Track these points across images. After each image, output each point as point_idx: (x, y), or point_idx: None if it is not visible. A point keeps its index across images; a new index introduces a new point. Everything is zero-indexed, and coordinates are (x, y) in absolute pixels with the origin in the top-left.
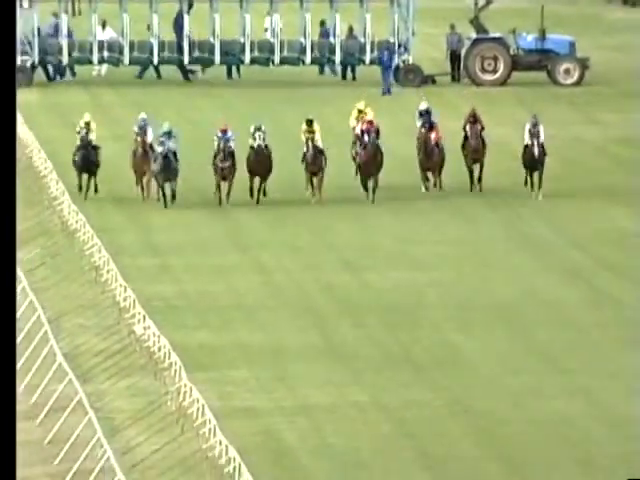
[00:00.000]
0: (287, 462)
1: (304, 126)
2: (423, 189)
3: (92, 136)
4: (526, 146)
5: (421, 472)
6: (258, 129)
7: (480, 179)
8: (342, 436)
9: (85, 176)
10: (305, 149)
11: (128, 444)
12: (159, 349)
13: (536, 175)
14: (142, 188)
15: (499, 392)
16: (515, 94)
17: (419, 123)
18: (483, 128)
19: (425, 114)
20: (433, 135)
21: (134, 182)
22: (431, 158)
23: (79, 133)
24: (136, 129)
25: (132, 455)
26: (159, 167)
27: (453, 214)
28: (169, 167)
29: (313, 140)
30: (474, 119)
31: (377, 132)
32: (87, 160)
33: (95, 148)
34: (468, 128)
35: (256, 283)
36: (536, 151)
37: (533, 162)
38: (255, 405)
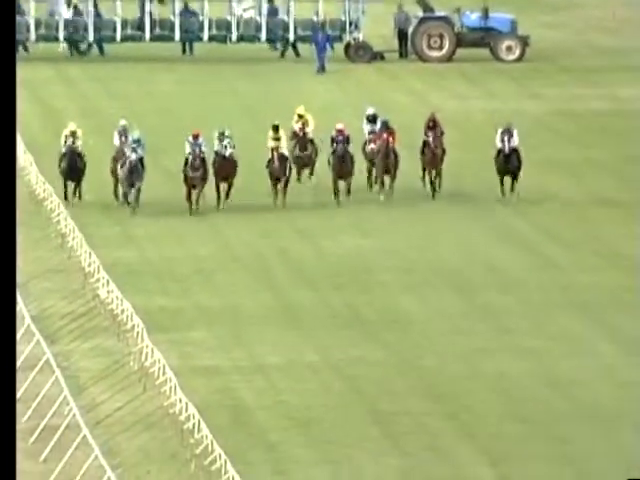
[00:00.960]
0: (244, 418)
1: (270, 132)
2: (381, 197)
3: (78, 143)
4: (499, 151)
5: (371, 427)
6: (222, 134)
7: (439, 185)
8: (296, 394)
9: (70, 184)
10: (270, 156)
11: (93, 402)
12: (122, 312)
13: (508, 180)
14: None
15: (446, 351)
16: (459, 70)
17: (367, 128)
18: (443, 133)
19: (372, 120)
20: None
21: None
22: (388, 158)
23: (65, 142)
24: (117, 137)
25: (97, 412)
26: (127, 173)
27: (403, 189)
28: (137, 173)
29: (278, 149)
30: (434, 124)
31: (347, 139)
32: (73, 168)
33: (80, 156)
34: (429, 134)
35: (214, 249)
36: (506, 154)
37: (505, 167)
38: (213, 364)
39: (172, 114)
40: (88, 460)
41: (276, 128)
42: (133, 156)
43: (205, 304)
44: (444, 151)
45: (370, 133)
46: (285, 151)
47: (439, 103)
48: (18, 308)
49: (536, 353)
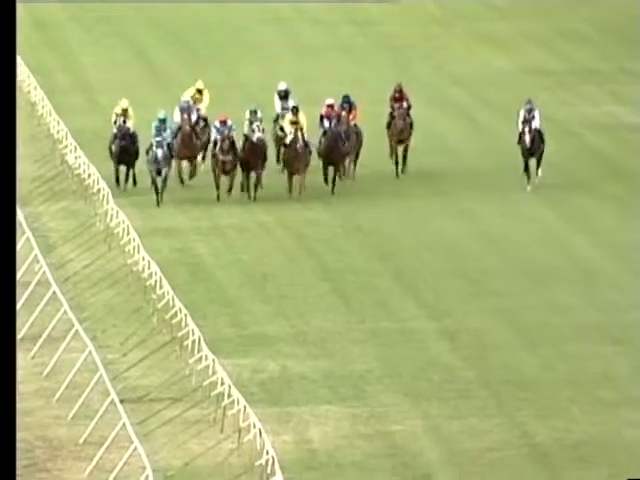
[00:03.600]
0: (202, 275)
1: (290, 116)
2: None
3: (129, 123)
4: (521, 134)
5: (321, 283)
6: (254, 113)
7: (405, 160)
8: (251, 252)
9: (123, 168)
10: (292, 137)
11: (62, 260)
12: (89, 176)
13: (533, 162)
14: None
15: (388, 213)
16: None
17: (278, 105)
18: (410, 106)
19: (284, 95)
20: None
21: None
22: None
23: (115, 122)
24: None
25: (65, 270)
26: (152, 159)
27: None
28: (164, 159)
29: (301, 130)
30: (400, 95)
31: (338, 118)
32: (126, 151)
33: (133, 137)
34: (395, 107)
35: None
36: (528, 139)
37: (527, 150)
38: (174, 225)
39: None
40: (57, 314)
41: (296, 110)
42: (158, 138)
43: None
44: (412, 124)
45: (283, 109)
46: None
47: None
48: None
49: (471, 213)
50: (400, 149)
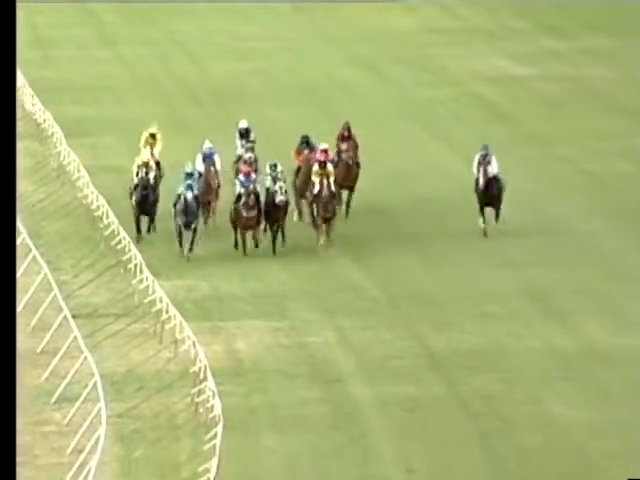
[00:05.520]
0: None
1: (316, 167)
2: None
3: (151, 175)
4: (476, 180)
5: None
6: (274, 167)
7: (348, 206)
8: None
9: (144, 218)
10: (319, 187)
11: (19, 194)
12: (44, 121)
13: (489, 210)
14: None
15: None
16: None
17: (239, 143)
18: (357, 147)
19: (245, 133)
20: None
21: None
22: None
23: (137, 174)
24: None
25: (23, 202)
26: (181, 212)
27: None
28: (192, 212)
29: (328, 180)
30: (348, 134)
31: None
32: (146, 202)
33: (154, 188)
34: (342, 148)
35: (119, 70)
36: (482, 184)
37: (482, 198)
38: (120, 164)
39: None
40: (18, 241)
41: (323, 164)
42: (189, 195)
43: (113, 115)
44: (359, 165)
45: (243, 146)
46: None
47: None
48: None
49: (374, 154)
50: (345, 193)
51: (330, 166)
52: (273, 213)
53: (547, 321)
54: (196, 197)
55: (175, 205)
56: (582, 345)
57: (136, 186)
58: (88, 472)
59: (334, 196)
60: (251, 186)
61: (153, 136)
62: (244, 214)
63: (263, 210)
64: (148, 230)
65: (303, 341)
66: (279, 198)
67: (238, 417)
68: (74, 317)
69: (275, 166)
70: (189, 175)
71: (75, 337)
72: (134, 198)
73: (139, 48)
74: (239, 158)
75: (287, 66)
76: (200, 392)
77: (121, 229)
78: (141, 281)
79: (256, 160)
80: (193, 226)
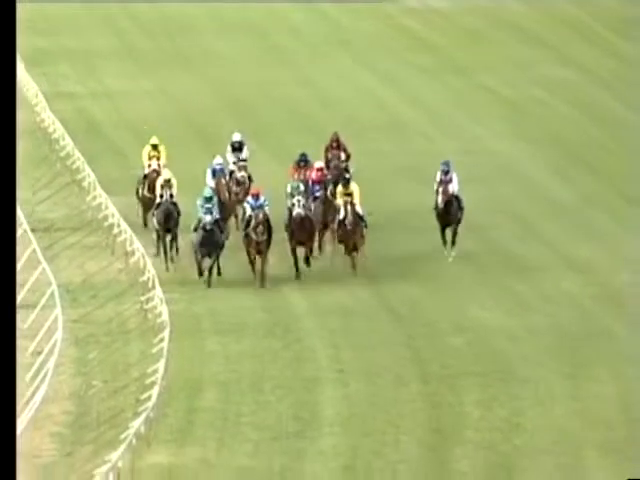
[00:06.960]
0: (94, 132)
1: (340, 188)
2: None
3: (173, 191)
4: (436, 200)
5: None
6: (296, 188)
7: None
8: (136, 113)
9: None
10: (343, 214)
11: None
12: None
13: (449, 231)
14: None
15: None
16: None
17: (230, 157)
18: (349, 157)
19: (238, 147)
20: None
21: None
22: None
23: (162, 196)
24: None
25: None
26: (200, 241)
27: None
28: (212, 240)
29: (352, 204)
30: (337, 144)
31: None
32: (170, 217)
33: (175, 205)
34: (329, 155)
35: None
36: (441, 202)
37: (442, 217)
38: (73, 91)
39: None
40: None
41: (347, 183)
42: (207, 218)
43: (69, 45)
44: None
45: (235, 163)
46: (359, 208)
47: None
48: None
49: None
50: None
51: (353, 185)
52: (300, 229)
53: (465, 233)
54: (216, 221)
55: (195, 230)
56: (498, 256)
57: (157, 205)
58: (46, 372)
59: (360, 220)
60: (260, 213)
61: (155, 147)
62: (254, 238)
63: (290, 230)
64: (171, 248)
65: (244, 255)
66: (296, 211)
67: (184, 322)
68: (33, 231)
69: (297, 187)
70: (208, 199)
71: (34, 249)
72: (156, 215)
73: None
74: (231, 174)
75: None
76: (149, 300)
77: (76, 150)
78: (94, 198)
79: (250, 178)
80: (214, 255)
